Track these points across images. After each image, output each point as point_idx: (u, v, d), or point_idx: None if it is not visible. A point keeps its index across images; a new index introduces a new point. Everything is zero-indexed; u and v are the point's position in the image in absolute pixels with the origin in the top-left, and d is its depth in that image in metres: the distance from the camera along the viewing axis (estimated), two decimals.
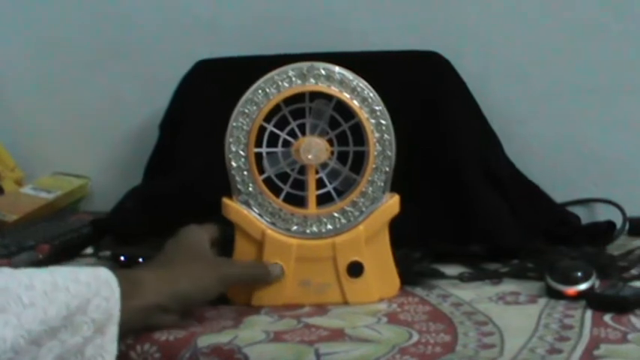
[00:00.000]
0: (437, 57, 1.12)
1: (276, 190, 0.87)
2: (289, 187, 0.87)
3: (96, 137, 1.33)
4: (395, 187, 0.88)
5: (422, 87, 1.09)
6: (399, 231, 0.88)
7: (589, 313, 0.81)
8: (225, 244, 0.88)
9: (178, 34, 1.27)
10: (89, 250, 1.10)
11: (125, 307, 0.72)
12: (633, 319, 0.79)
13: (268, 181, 0.87)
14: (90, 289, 0.70)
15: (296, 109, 0.86)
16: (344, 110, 0.86)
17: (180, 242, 0.85)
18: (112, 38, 1.30)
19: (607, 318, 0.79)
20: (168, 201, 1.09)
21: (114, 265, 1.01)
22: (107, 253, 1.05)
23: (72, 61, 1.32)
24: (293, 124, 0.87)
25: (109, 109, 1.31)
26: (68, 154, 1.35)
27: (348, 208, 0.87)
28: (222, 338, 0.75)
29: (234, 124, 0.86)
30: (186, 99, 1.17)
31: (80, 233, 1.13)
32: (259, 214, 0.87)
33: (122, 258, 1.01)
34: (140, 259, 0.96)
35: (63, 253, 1.06)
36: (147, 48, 1.29)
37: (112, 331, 0.71)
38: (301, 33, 1.21)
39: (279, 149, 0.87)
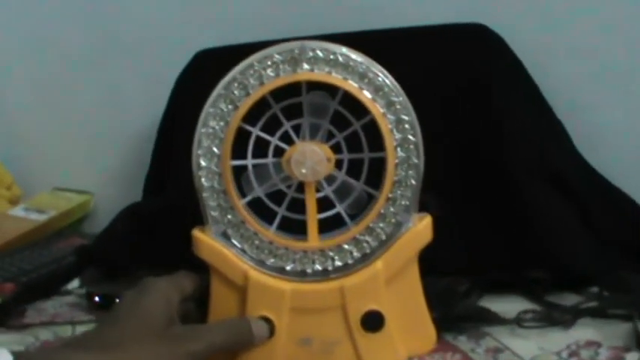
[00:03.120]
0: (485, 31, 0.96)
1: (268, 216, 0.69)
2: (285, 209, 0.68)
3: (99, 146, 1.22)
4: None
5: (466, 68, 0.92)
6: (435, 258, 0.70)
7: None
8: (206, 295, 0.71)
9: (181, 26, 1.14)
10: (76, 283, 0.96)
11: None
12: None
13: (257, 205, 0.69)
14: None
15: (290, 106, 0.68)
16: (354, 104, 0.68)
17: (136, 307, 0.65)
18: (108, 35, 1.18)
19: None
20: (159, 222, 0.94)
21: (89, 306, 0.88)
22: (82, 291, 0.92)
23: (68, 63, 1.21)
24: (287, 126, 0.68)
25: (111, 115, 1.20)
26: (70, 167, 1.24)
27: (362, 237, 0.68)
28: None
29: (203, 130, 0.68)
30: (184, 97, 1.02)
31: (61, 264, 0.99)
32: (242, 250, 0.69)
33: (97, 299, 0.88)
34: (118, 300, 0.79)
35: (33, 291, 0.93)
36: (148, 43, 1.16)
37: None
38: (317, 11, 1.06)
39: (269, 160, 0.68)
